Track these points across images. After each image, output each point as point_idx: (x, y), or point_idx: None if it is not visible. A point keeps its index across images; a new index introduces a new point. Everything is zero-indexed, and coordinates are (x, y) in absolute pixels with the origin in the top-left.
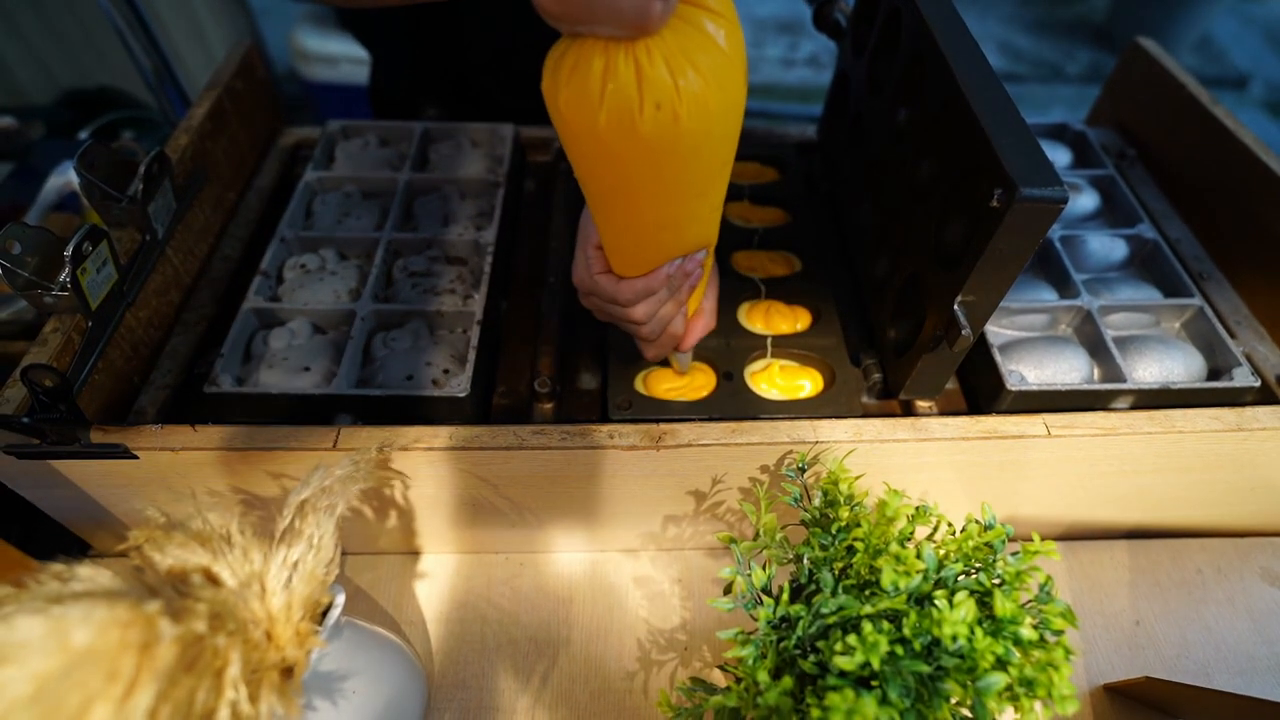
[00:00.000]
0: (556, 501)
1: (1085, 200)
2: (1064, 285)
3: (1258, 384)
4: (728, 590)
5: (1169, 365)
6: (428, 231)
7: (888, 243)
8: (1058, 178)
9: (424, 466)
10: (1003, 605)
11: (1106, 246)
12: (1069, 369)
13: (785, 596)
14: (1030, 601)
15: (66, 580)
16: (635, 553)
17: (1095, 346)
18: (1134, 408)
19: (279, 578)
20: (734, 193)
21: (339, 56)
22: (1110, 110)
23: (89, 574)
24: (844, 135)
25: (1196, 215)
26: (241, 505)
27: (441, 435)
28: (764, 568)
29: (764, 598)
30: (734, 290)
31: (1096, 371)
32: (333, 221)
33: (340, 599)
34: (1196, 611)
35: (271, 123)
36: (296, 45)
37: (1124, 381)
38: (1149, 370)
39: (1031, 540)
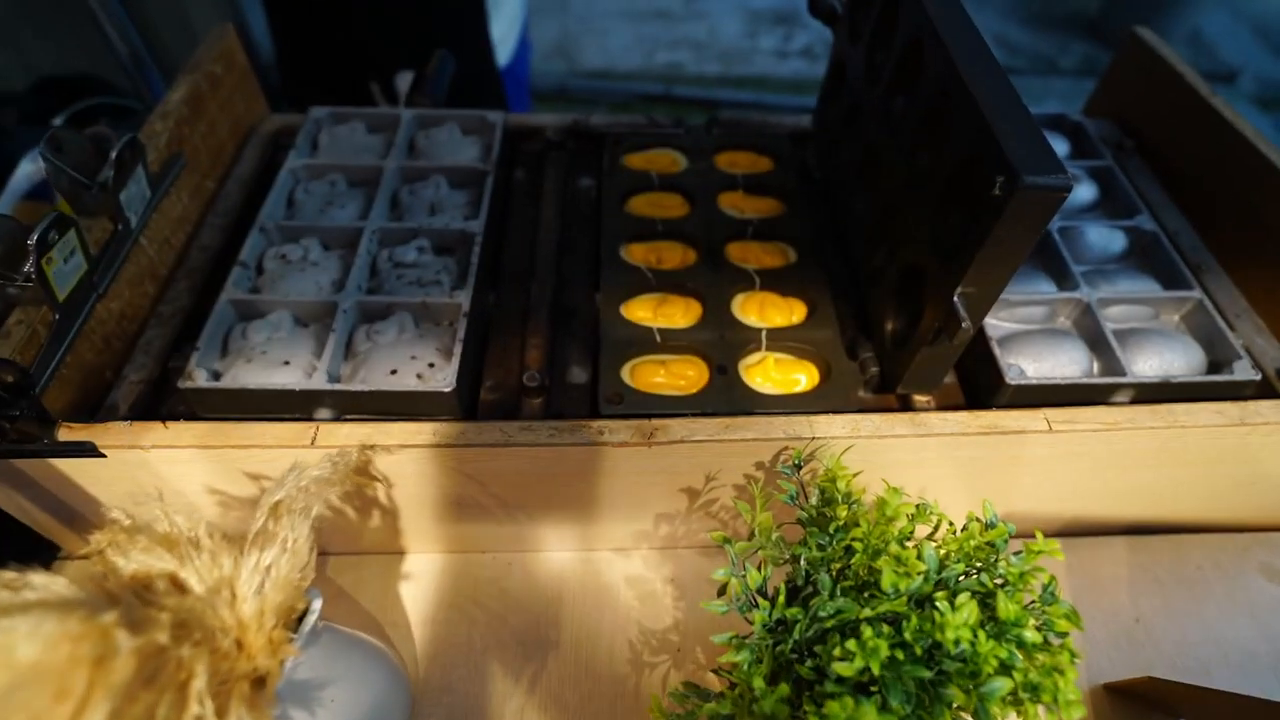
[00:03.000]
0: (545, 499)
1: (1083, 191)
2: (1063, 277)
3: (1258, 377)
4: (722, 591)
5: (1169, 358)
6: (414, 221)
7: (885, 233)
8: (1061, 165)
9: (407, 464)
10: (1006, 607)
11: (1105, 238)
12: (1068, 362)
13: (781, 599)
14: (1033, 603)
15: (18, 589)
16: (627, 551)
17: (1094, 339)
18: (1134, 401)
19: (250, 583)
20: (727, 182)
21: None
22: (1108, 101)
23: (43, 582)
24: (840, 124)
25: (1194, 206)
26: (219, 506)
27: (425, 432)
28: (759, 568)
29: (759, 600)
30: (727, 282)
31: (1096, 365)
32: (316, 211)
33: (317, 604)
34: (1197, 608)
35: (254, 109)
36: None
37: (1124, 375)
38: (1149, 363)
39: (1033, 538)
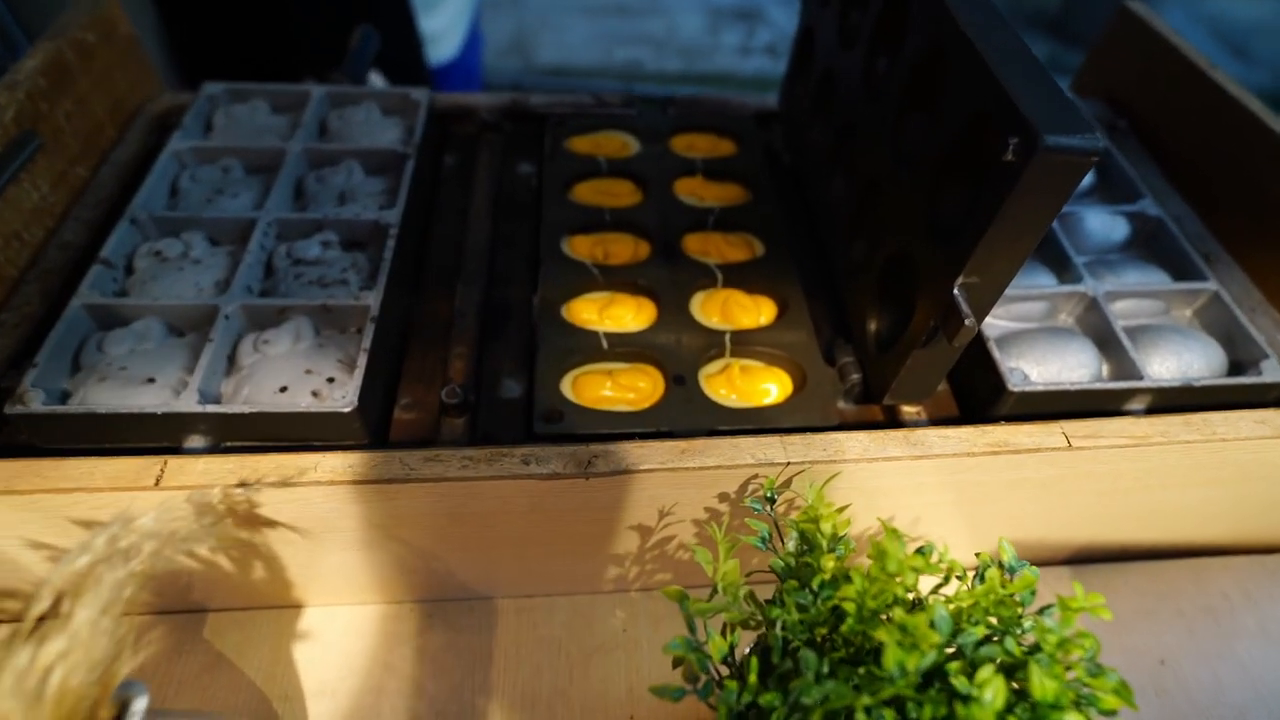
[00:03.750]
0: (463, 543)
1: None
2: (1062, 269)
3: None
4: (679, 664)
5: (1187, 359)
6: (320, 212)
7: (867, 218)
8: (1087, 122)
9: (283, 507)
10: (1042, 685)
11: (1106, 225)
12: (1076, 365)
13: (753, 678)
14: (1069, 669)
15: None
16: (570, 596)
17: (1103, 338)
18: (1151, 409)
19: (16, 694)
20: (685, 167)
21: None
22: (1097, 80)
23: None
24: (811, 99)
25: (1197, 191)
26: (49, 562)
27: (306, 467)
28: (724, 633)
29: (724, 677)
30: (686, 279)
31: (1105, 368)
32: (203, 200)
33: (140, 704)
34: (1227, 644)
35: (142, 87)
36: None
37: (1140, 378)
38: (1165, 364)
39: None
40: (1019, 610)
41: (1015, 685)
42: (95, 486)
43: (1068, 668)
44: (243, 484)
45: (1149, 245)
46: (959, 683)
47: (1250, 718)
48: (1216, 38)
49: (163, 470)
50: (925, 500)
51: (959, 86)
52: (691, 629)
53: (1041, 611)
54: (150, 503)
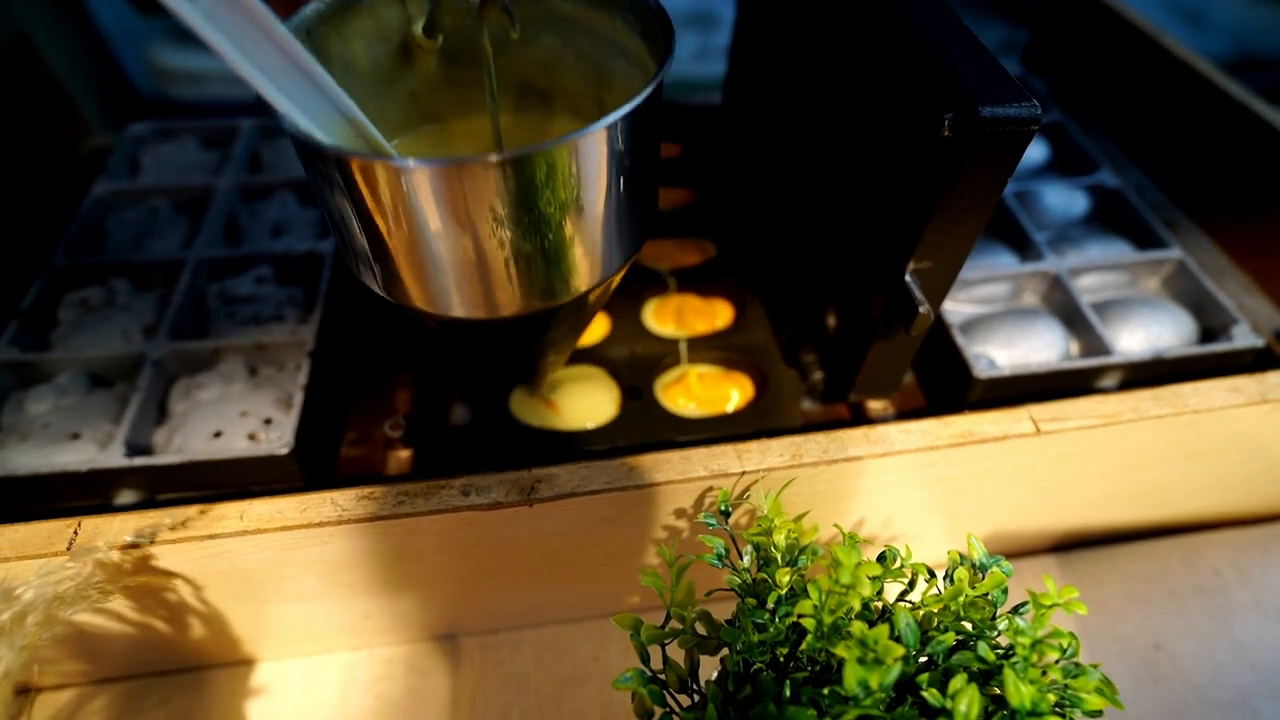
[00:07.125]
0: (414, 582)
1: (1033, 151)
2: (1024, 247)
3: (1262, 344)
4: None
5: (1156, 330)
6: (252, 246)
7: (816, 210)
8: (1021, 90)
9: (213, 560)
10: (1018, 691)
11: (1065, 199)
12: (1043, 345)
13: (711, 709)
14: (1046, 672)
15: None
16: (536, 629)
17: (1069, 316)
18: (1123, 384)
19: None
20: None
21: (203, 73)
22: (1043, 53)
23: None
24: (752, 89)
25: (1155, 159)
26: None
27: (229, 517)
28: (685, 658)
29: (678, 711)
30: (637, 287)
31: (1074, 346)
32: (130, 244)
33: None
34: (1222, 623)
35: (68, 131)
36: (155, 64)
37: (1110, 354)
38: (1134, 337)
39: (1039, 584)
40: (992, 611)
41: (997, 692)
42: (1, 556)
43: (1044, 670)
44: (135, 544)
45: (1110, 217)
46: (931, 695)
47: (1251, 699)
48: (1170, 4)
49: (76, 531)
50: (896, 499)
51: (889, 62)
52: (644, 659)
53: (1017, 610)
54: (69, 571)
